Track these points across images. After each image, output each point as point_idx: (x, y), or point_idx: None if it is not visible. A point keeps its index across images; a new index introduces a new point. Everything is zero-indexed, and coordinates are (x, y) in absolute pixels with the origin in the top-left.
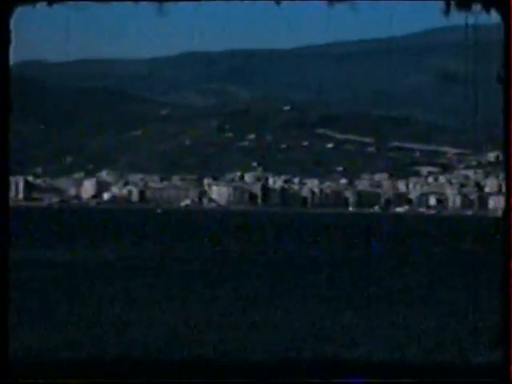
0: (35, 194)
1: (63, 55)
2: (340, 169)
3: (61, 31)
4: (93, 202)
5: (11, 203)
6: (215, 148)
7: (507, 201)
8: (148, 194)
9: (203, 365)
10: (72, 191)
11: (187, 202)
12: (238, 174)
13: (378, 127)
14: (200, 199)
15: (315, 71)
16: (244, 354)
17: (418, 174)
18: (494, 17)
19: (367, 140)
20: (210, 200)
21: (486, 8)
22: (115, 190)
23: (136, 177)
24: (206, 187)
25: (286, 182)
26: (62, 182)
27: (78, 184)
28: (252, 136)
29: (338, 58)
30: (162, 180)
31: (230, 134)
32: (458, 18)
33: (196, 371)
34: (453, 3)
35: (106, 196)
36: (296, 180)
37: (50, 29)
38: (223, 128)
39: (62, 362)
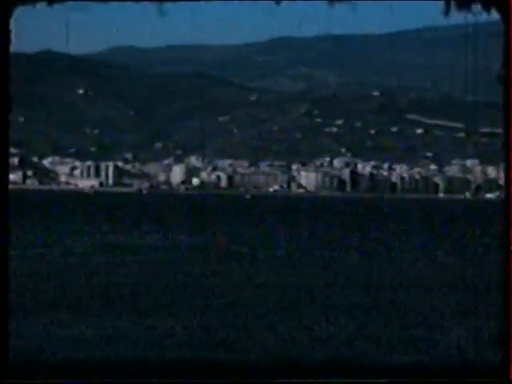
0: (125, 180)
1: (153, 41)
2: (430, 154)
3: (152, 17)
4: (182, 188)
5: (103, 188)
6: (304, 133)
7: (507, 200)
8: (236, 179)
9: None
10: (161, 177)
11: (275, 187)
12: (327, 159)
13: (469, 112)
14: (288, 185)
15: (406, 56)
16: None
17: None
18: (494, 17)
19: (457, 125)
20: (299, 186)
21: (486, 8)
22: (204, 175)
23: (225, 162)
24: (295, 173)
25: (374, 167)
26: (151, 168)
27: (168, 169)
28: (341, 121)
29: (429, 44)
30: (250, 166)
31: (319, 120)
32: (457, 17)
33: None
34: (453, 3)
35: (194, 181)
36: (385, 166)
37: (141, 14)
38: (312, 113)
39: (62, 362)
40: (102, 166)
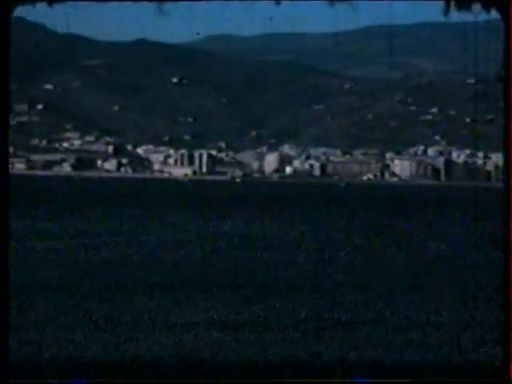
0: (219, 168)
1: (249, 29)
2: None
3: (247, 5)
4: (275, 176)
5: (197, 176)
6: (398, 122)
7: (507, 200)
8: (330, 168)
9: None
10: (255, 165)
11: (369, 176)
12: (421, 148)
13: None
14: (382, 173)
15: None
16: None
17: None
18: (494, 17)
19: None
20: (393, 174)
21: (486, 8)
22: (297, 163)
23: (318, 151)
24: (389, 161)
25: (469, 156)
26: (244, 156)
27: (261, 158)
28: (435, 109)
29: None
30: (344, 154)
31: (413, 108)
32: (457, 17)
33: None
34: (453, 3)
35: (288, 170)
36: (480, 154)
37: (237, 2)
38: (406, 101)
39: (62, 362)
40: (196, 154)
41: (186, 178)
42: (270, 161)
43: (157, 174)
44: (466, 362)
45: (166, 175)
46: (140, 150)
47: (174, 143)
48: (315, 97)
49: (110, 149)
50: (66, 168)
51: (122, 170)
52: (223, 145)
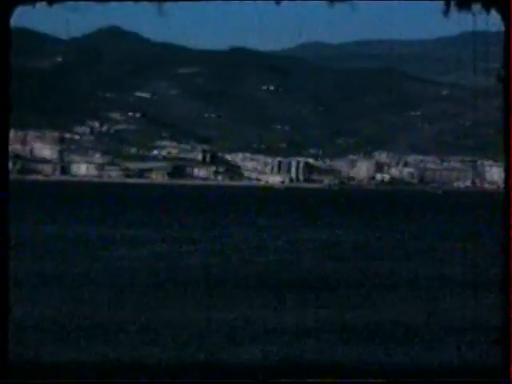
0: (315, 176)
1: (340, 37)
2: None
3: (339, 13)
4: (370, 184)
5: (293, 184)
6: (496, 129)
7: (507, 200)
8: (426, 175)
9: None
10: (351, 172)
11: (466, 183)
12: None
13: None
14: (478, 181)
15: None
16: None
17: None
18: (494, 17)
19: None
20: (490, 182)
21: (486, 8)
22: (393, 170)
23: (414, 158)
24: (486, 169)
25: None
26: (340, 164)
27: (355, 165)
28: None
29: None
30: (440, 161)
31: None
32: (457, 17)
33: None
34: (453, 3)
35: (383, 177)
36: None
37: (330, 10)
38: None
39: (62, 362)
40: (292, 162)
41: (283, 185)
42: (366, 168)
43: (253, 182)
44: (465, 362)
45: (262, 183)
46: (236, 158)
47: (270, 151)
48: (410, 103)
49: (206, 157)
50: (162, 176)
51: (218, 177)
52: (319, 152)
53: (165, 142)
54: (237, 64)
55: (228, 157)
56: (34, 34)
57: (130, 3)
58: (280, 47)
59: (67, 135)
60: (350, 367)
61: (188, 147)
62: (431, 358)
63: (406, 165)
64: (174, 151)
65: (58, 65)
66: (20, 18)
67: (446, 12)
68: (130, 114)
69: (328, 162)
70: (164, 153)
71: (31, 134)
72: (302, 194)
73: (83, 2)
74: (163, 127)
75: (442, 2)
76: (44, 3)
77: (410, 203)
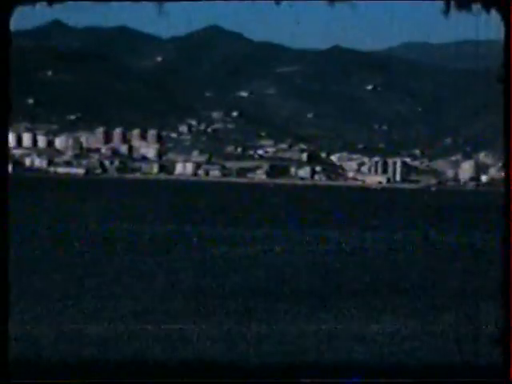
0: (413, 176)
1: (443, 37)
2: None
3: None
4: (471, 185)
5: (391, 184)
6: None
7: (507, 200)
8: None
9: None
10: (450, 173)
11: None
12: None
13: None
14: None
15: None
16: None
17: None
18: (494, 17)
19: None
20: None
21: (486, 8)
22: (493, 172)
23: None
24: None
25: None
26: (439, 164)
27: (456, 166)
28: None
29: None
30: None
31: None
32: (457, 17)
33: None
34: (453, 3)
35: (484, 178)
36: None
37: (433, 11)
38: None
39: (62, 362)
40: (390, 162)
41: (380, 185)
42: (466, 169)
43: (350, 182)
44: (465, 362)
45: (359, 183)
46: (334, 158)
47: (369, 151)
48: None
49: (304, 156)
50: (260, 175)
51: (316, 177)
52: (418, 152)
53: (263, 141)
54: (337, 63)
55: (327, 156)
56: (134, 32)
57: (129, 3)
58: (380, 47)
59: (166, 134)
60: (350, 367)
61: (286, 146)
62: (431, 358)
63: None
64: (272, 150)
65: (159, 64)
66: (122, 17)
67: (447, 12)
68: (229, 113)
69: (426, 162)
70: (262, 152)
71: (130, 132)
72: (397, 195)
73: (83, 2)
74: (261, 126)
75: (442, 2)
76: (44, 3)
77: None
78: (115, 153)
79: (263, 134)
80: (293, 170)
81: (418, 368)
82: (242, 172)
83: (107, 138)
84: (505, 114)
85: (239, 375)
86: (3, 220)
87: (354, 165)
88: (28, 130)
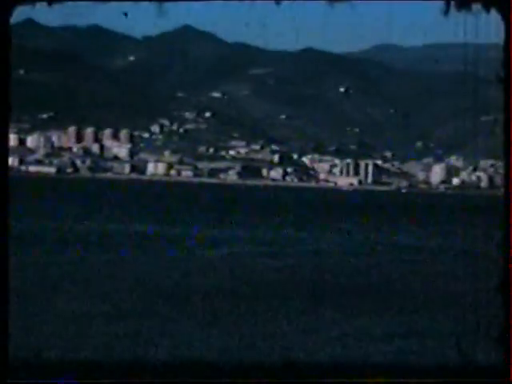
0: (384, 178)
1: (413, 40)
2: None
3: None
4: (441, 188)
5: (362, 186)
6: None
7: (507, 200)
8: (497, 180)
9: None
10: (421, 176)
11: None
12: None
13: None
14: None
15: None
16: None
17: None
18: (494, 17)
19: None
20: None
21: (486, 8)
22: (464, 175)
23: (486, 162)
24: None
25: None
26: (410, 167)
27: (427, 169)
28: None
29: None
30: None
31: None
32: (457, 17)
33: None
34: (453, 3)
35: (454, 181)
36: None
37: (405, 11)
38: None
39: (62, 362)
40: (362, 164)
41: (351, 187)
42: (437, 172)
43: (322, 184)
44: (465, 362)
45: (331, 184)
46: (306, 159)
47: (340, 153)
48: (485, 108)
49: (276, 157)
50: (232, 176)
51: (288, 178)
52: (389, 155)
53: (235, 142)
54: (310, 65)
55: (298, 158)
56: (107, 32)
57: (130, 3)
58: (353, 49)
59: (138, 133)
60: (350, 367)
61: (258, 147)
62: (431, 357)
63: (476, 169)
64: (244, 151)
65: (131, 63)
66: (94, 15)
67: (446, 12)
68: (202, 113)
69: (398, 164)
70: (234, 153)
71: (102, 131)
72: (368, 197)
73: (83, 2)
74: (234, 127)
75: (442, 2)
76: (44, 3)
77: (476, 207)
78: (87, 152)
79: (235, 134)
80: (265, 171)
81: (418, 368)
82: (214, 172)
83: (79, 137)
84: (505, 114)
85: (239, 375)
86: (3, 218)
87: (325, 166)
88: None
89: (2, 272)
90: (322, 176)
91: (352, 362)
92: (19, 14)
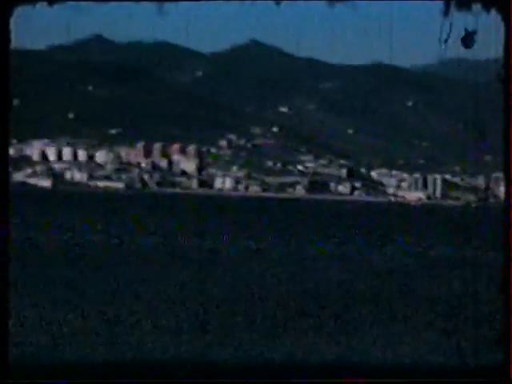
0: (453, 193)
1: (481, 53)
2: None
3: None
4: None
5: (431, 201)
6: None
7: (507, 200)
8: None
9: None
10: (491, 190)
11: None
12: None
13: None
14: None
15: None
16: None
17: None
18: (494, 17)
19: None
20: None
21: (486, 8)
22: None
23: None
24: None
25: None
26: (480, 181)
27: (497, 182)
28: None
29: None
30: None
31: None
32: (458, 17)
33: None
34: (453, 3)
35: None
36: None
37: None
38: None
39: (62, 362)
40: (430, 178)
41: (420, 202)
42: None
43: (390, 198)
44: (465, 363)
45: (399, 199)
46: (374, 174)
47: (408, 167)
48: None
49: (344, 172)
50: (300, 191)
51: (356, 193)
52: (458, 169)
53: (303, 157)
54: (377, 79)
55: (366, 172)
56: (174, 47)
57: (130, 3)
58: (420, 62)
59: (205, 148)
60: (350, 367)
61: (326, 162)
62: (431, 357)
63: None
64: (312, 166)
65: (199, 79)
66: (161, 32)
67: (446, 12)
68: (269, 128)
69: (467, 178)
70: (302, 167)
71: (170, 146)
72: (437, 212)
73: (83, 2)
74: (301, 142)
75: (442, 2)
76: (44, 3)
77: None
78: (155, 167)
79: (303, 149)
80: (332, 185)
81: (417, 368)
82: (281, 187)
83: (147, 153)
84: (505, 114)
85: (239, 375)
86: (4, 223)
87: (393, 181)
88: (68, 144)
89: (2, 272)
90: (390, 190)
91: (352, 362)
92: (19, 15)
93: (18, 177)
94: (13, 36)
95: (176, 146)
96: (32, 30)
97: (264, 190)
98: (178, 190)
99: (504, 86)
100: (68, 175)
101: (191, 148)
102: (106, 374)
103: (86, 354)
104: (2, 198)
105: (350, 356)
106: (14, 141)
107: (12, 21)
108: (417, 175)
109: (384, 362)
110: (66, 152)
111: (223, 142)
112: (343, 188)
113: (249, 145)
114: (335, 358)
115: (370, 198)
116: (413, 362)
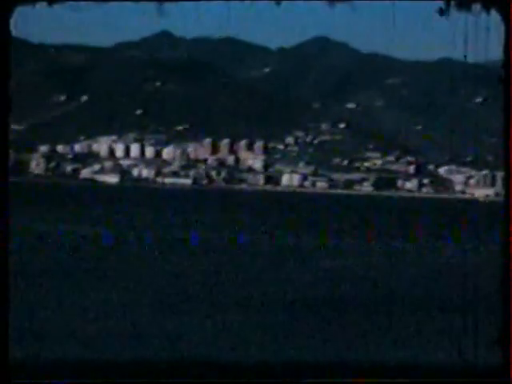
0: None
1: None
2: None
3: None
4: None
5: (499, 198)
6: None
7: (507, 200)
8: None
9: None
10: None
11: None
12: None
13: None
14: None
15: None
16: None
17: None
18: (494, 17)
19: None
20: None
21: (486, 8)
22: None
23: None
24: None
25: None
26: None
27: None
28: None
29: None
30: None
31: None
32: (458, 17)
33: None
34: (453, 3)
35: None
36: None
37: None
38: None
39: (62, 362)
40: (499, 175)
41: (487, 198)
42: None
43: (458, 195)
44: (465, 363)
45: (467, 196)
46: (442, 170)
47: (477, 164)
48: None
49: (412, 168)
50: (367, 187)
51: (424, 189)
52: None
53: (370, 154)
54: (446, 75)
55: (434, 169)
56: (241, 43)
57: (130, 3)
58: (492, 57)
59: (272, 145)
60: (350, 367)
61: (393, 158)
62: (431, 357)
63: None
64: (379, 162)
65: (266, 75)
66: (228, 28)
67: (447, 12)
68: (337, 124)
69: None
70: (369, 164)
71: (237, 143)
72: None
73: (83, 2)
74: (369, 138)
75: (442, 2)
76: (44, 3)
77: None
78: (222, 163)
79: (370, 146)
80: (400, 182)
81: (417, 368)
82: (348, 184)
83: (214, 149)
84: (505, 114)
85: (239, 375)
86: (3, 219)
87: (461, 178)
88: (136, 140)
89: (2, 272)
90: (458, 187)
91: (352, 362)
92: (20, 14)
93: (85, 173)
94: (82, 34)
95: (243, 143)
96: (101, 27)
97: (331, 187)
98: (244, 186)
99: (504, 85)
100: (135, 172)
101: (258, 144)
102: (106, 374)
103: (92, 352)
104: (2, 198)
105: (350, 356)
106: (82, 137)
107: (12, 21)
108: (485, 172)
109: (383, 361)
110: (134, 148)
111: (290, 139)
112: (411, 185)
113: (316, 141)
114: (335, 357)
115: (438, 195)
116: (412, 362)
